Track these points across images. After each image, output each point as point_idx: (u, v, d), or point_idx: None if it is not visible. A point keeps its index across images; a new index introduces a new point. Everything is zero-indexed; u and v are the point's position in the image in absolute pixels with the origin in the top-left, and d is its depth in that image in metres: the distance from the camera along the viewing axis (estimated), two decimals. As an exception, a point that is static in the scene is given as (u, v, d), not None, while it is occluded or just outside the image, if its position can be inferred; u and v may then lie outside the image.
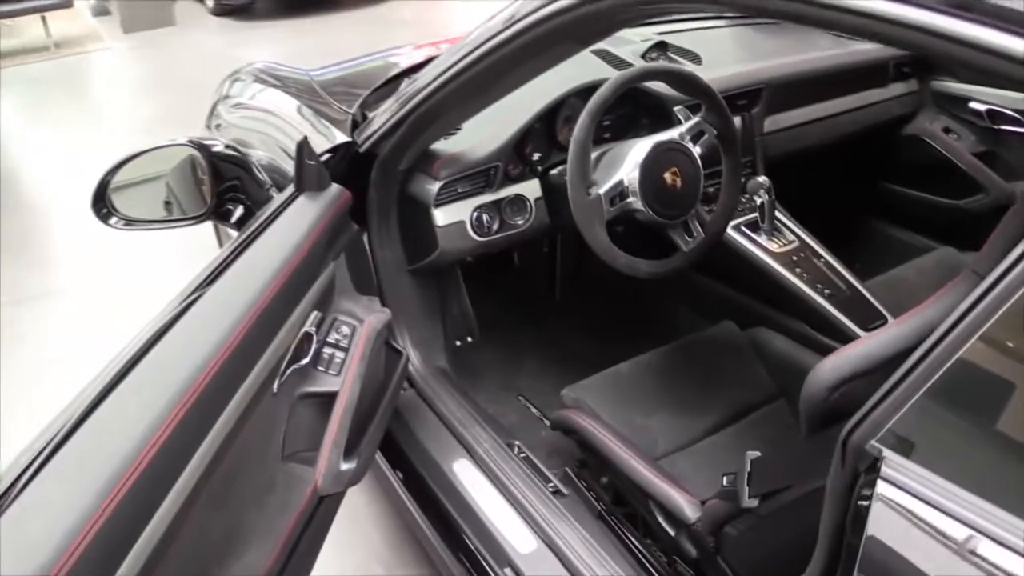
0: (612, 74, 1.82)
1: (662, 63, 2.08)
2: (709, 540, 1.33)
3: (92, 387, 1.03)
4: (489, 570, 1.49)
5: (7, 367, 2.89)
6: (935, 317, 0.87)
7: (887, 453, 0.76)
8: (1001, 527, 0.68)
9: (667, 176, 1.57)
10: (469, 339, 2.27)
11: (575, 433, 1.65)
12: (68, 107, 5.60)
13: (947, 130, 2.38)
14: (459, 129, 1.79)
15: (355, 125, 1.79)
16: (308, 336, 1.34)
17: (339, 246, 1.53)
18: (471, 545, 1.55)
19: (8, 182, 4.44)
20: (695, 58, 2.17)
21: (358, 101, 1.89)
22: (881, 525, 0.78)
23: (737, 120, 2.02)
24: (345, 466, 1.37)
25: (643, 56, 2.09)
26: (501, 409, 2.08)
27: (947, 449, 0.78)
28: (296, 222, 1.41)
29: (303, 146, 1.40)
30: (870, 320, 1.79)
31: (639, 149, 1.57)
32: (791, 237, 1.97)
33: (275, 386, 1.25)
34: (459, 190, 1.72)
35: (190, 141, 1.49)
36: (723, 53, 2.24)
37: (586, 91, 1.83)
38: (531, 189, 1.82)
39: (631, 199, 1.56)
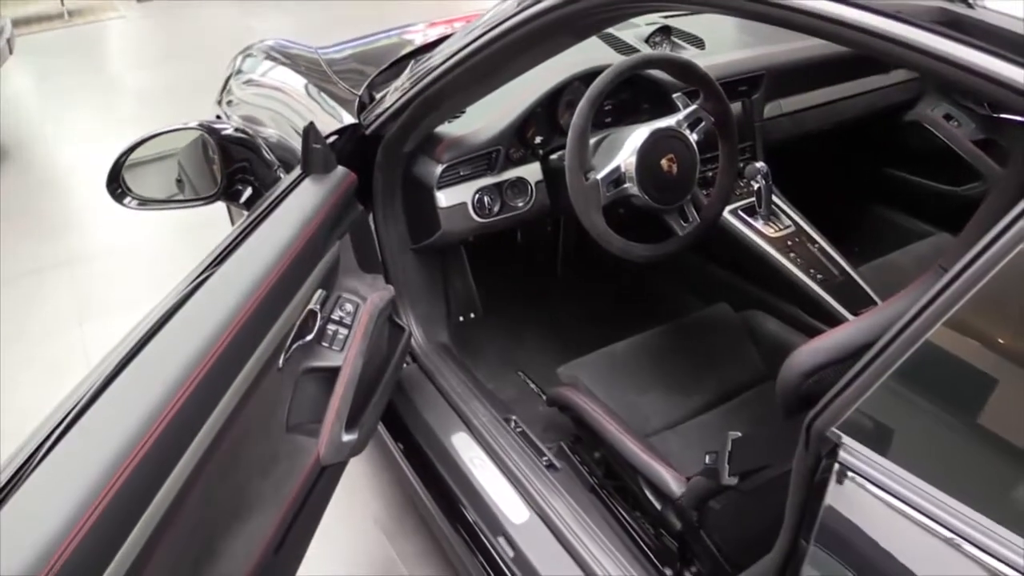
0: (615, 59, 1.85)
1: (663, 50, 2.12)
2: (692, 514, 1.39)
3: (110, 359, 1.09)
4: (484, 539, 1.56)
5: (26, 332, 2.97)
6: (904, 309, 0.91)
7: (846, 440, 0.82)
8: (963, 522, 0.73)
9: (664, 163, 1.62)
10: (472, 315, 2.32)
11: (570, 410, 1.70)
12: (83, 76, 5.63)
13: (948, 117, 2.41)
14: (463, 113, 1.83)
15: (362, 107, 1.83)
16: (312, 313, 1.39)
17: (344, 226, 1.59)
18: (467, 515, 1.61)
19: (25, 152, 4.50)
20: (698, 43, 2.20)
21: (365, 82, 1.94)
22: (837, 508, 0.84)
23: (737, 106, 2.06)
24: (347, 437, 1.43)
25: (647, 40, 2.12)
26: (501, 384, 2.13)
27: (903, 437, 0.83)
28: (302, 204, 1.46)
29: (309, 130, 1.45)
30: (861, 305, 1.83)
31: (637, 136, 1.62)
32: (787, 222, 2.01)
33: (280, 361, 1.30)
34: (461, 173, 1.77)
35: (201, 124, 1.54)
36: (726, 38, 2.27)
37: (589, 76, 1.86)
38: (532, 172, 1.87)
39: (628, 185, 1.61)
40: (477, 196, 1.79)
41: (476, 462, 1.68)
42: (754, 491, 1.28)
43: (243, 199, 1.64)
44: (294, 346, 1.35)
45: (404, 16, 2.79)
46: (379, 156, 1.75)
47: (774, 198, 2.01)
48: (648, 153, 1.60)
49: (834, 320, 1.83)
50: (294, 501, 1.34)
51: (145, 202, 1.54)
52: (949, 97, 2.43)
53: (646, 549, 1.56)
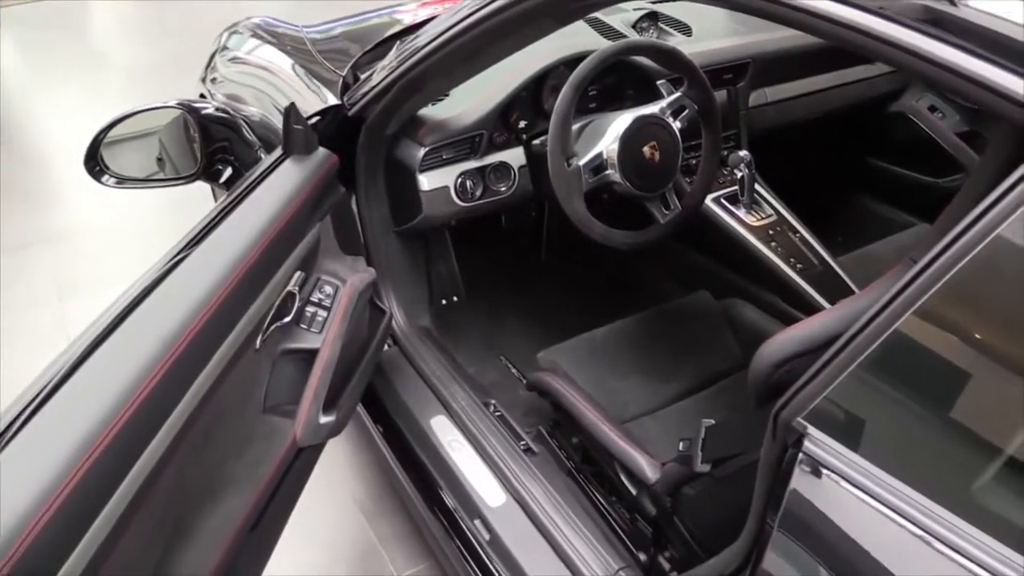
0: (601, 44, 1.85)
1: (649, 36, 2.11)
2: (667, 500, 1.40)
3: (83, 338, 1.09)
4: (460, 522, 1.57)
5: (7, 307, 2.96)
6: (875, 301, 0.92)
7: (812, 430, 0.83)
8: (927, 515, 0.74)
9: (646, 150, 1.62)
10: (455, 298, 2.33)
11: (549, 395, 1.71)
12: (70, 50, 5.55)
13: (932, 109, 2.41)
14: (446, 95, 1.82)
15: (346, 88, 1.82)
16: (291, 295, 1.39)
17: (325, 208, 1.58)
18: (444, 498, 1.62)
19: (8, 127, 4.45)
20: (685, 29, 2.20)
21: (350, 63, 1.92)
22: (801, 496, 0.85)
23: (722, 94, 2.06)
24: (324, 419, 1.43)
25: (634, 26, 2.12)
26: (482, 368, 2.14)
27: (869, 428, 0.84)
28: (282, 184, 1.45)
29: (290, 110, 1.44)
30: (840, 295, 1.83)
31: (620, 122, 1.62)
32: (769, 211, 2.02)
33: (258, 343, 1.31)
34: (444, 156, 1.77)
35: (180, 103, 1.53)
36: (714, 25, 2.26)
37: (574, 61, 1.86)
38: (515, 157, 1.87)
39: (609, 171, 1.61)
40: (460, 180, 1.79)
41: (454, 445, 1.69)
42: (727, 478, 1.30)
43: (223, 179, 1.63)
44: (272, 327, 1.35)
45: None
46: (362, 138, 1.75)
47: (757, 187, 2.02)
48: (631, 140, 1.60)
49: (813, 310, 1.83)
50: (270, 482, 1.35)
51: (123, 180, 1.53)
52: (934, 89, 2.43)
53: (621, 534, 1.57)
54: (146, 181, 1.60)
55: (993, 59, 0.75)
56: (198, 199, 2.49)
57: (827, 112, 2.34)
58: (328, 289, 1.52)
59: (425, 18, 2.12)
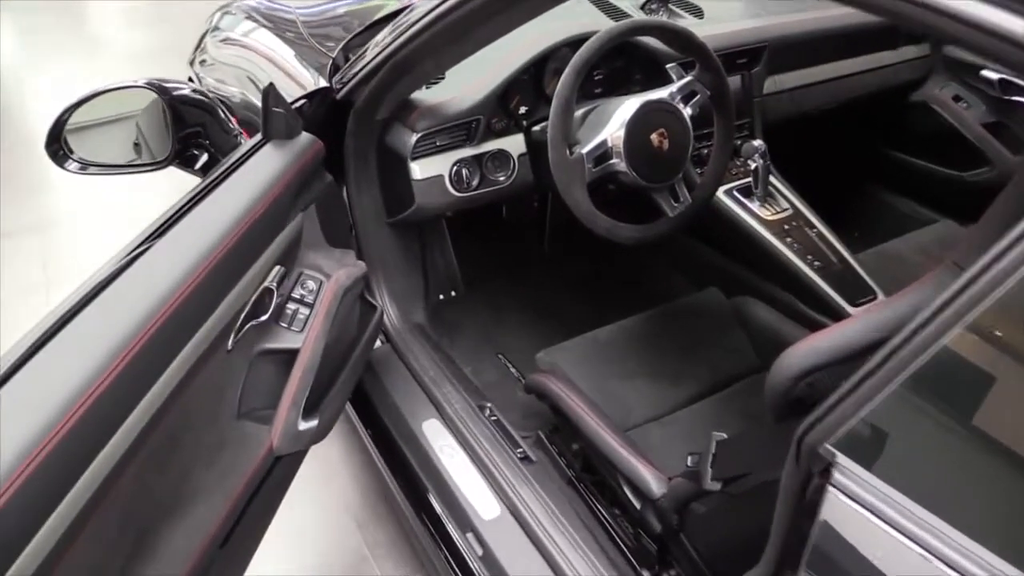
0: (607, 24, 1.74)
1: (658, 17, 1.99)
2: (673, 517, 1.30)
3: (29, 335, 0.99)
4: (452, 535, 1.47)
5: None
6: (907, 311, 0.81)
7: (840, 458, 0.72)
8: (953, 548, 0.63)
9: (654, 138, 1.50)
10: (452, 293, 2.22)
11: (547, 398, 1.61)
12: (65, 34, 5.47)
13: (957, 98, 2.29)
14: (441, 78, 1.71)
15: (335, 70, 1.71)
16: (268, 291, 1.29)
17: (308, 197, 1.48)
18: (435, 507, 1.52)
19: (3, 112, 4.36)
20: (697, 11, 2.08)
21: (340, 44, 1.82)
22: (829, 532, 0.74)
23: (736, 80, 1.94)
24: (304, 425, 1.33)
25: (642, 7, 2.01)
26: (479, 367, 2.04)
27: (908, 457, 0.73)
28: (260, 171, 1.35)
29: (269, 92, 1.34)
30: (860, 295, 1.73)
31: (626, 108, 1.50)
32: (784, 205, 1.90)
33: (230, 342, 1.20)
34: (438, 143, 1.66)
35: (149, 83, 1.42)
36: (727, 7, 2.14)
37: (578, 42, 1.74)
38: (515, 144, 1.76)
39: (615, 160, 1.49)
40: (455, 168, 1.68)
41: (447, 451, 1.59)
42: (741, 496, 1.19)
43: (198, 165, 1.53)
44: (247, 326, 1.25)
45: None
46: (350, 123, 1.64)
47: (771, 179, 1.90)
48: (637, 127, 1.49)
49: (830, 310, 1.73)
50: (243, 493, 1.25)
51: (87, 166, 1.42)
52: (958, 77, 2.31)
53: (624, 549, 1.47)
54: (112, 167, 1.49)
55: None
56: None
57: (845, 101, 2.21)
58: (311, 285, 1.42)
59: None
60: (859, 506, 0.70)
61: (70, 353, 0.97)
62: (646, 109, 1.49)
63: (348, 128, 1.66)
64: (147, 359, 1.01)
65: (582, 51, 1.44)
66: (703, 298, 1.84)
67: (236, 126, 1.56)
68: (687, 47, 1.55)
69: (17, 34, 5.51)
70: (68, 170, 1.40)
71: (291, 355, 1.33)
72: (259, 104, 1.76)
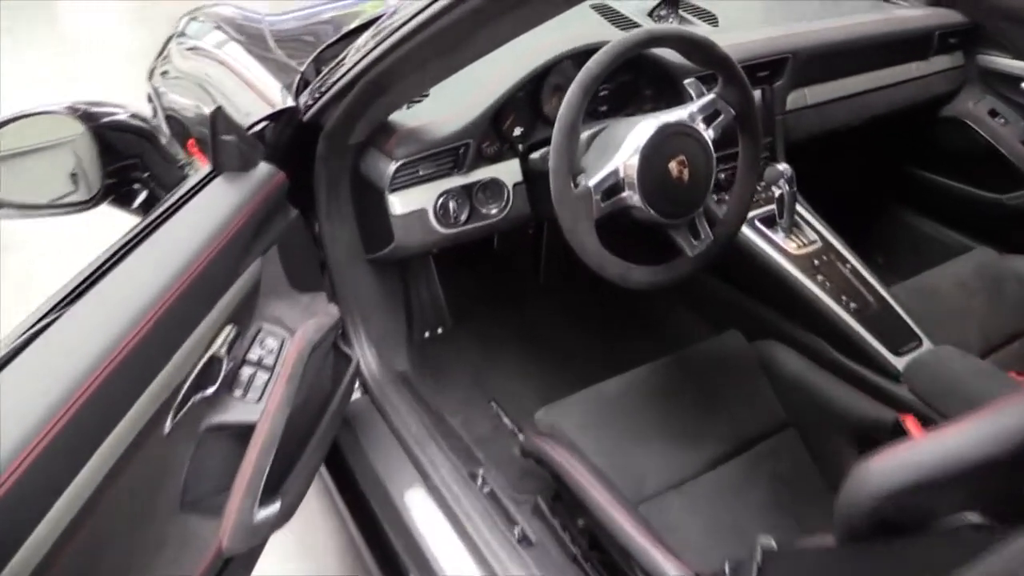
0: (613, 35, 1.52)
1: (671, 24, 1.78)
2: None
3: None
4: None
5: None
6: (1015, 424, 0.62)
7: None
8: None
9: (672, 166, 1.29)
10: (439, 330, 2.01)
11: (547, 465, 1.40)
12: (46, 34, 5.26)
13: (993, 113, 2.09)
14: (425, 96, 1.50)
15: (303, 87, 1.50)
16: (216, 360, 1.08)
17: (269, 238, 1.26)
18: None
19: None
20: (711, 19, 1.87)
21: (310, 57, 1.60)
22: None
23: (756, 95, 1.73)
24: (262, 514, 1.12)
25: (651, 14, 1.79)
26: (470, 416, 1.82)
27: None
28: (207, 211, 1.14)
29: (217, 117, 1.12)
30: (903, 342, 1.52)
31: (640, 131, 1.28)
32: (812, 236, 1.69)
33: (167, 425, 0.99)
34: (421, 172, 1.44)
35: (71, 108, 1.19)
36: (743, 14, 1.93)
37: (581, 55, 1.54)
38: (509, 172, 1.54)
39: (627, 193, 1.28)
40: (440, 201, 1.46)
41: (432, 528, 1.37)
42: None
43: (136, 203, 1.30)
44: (192, 400, 1.04)
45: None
46: (320, 148, 1.43)
47: (797, 207, 1.69)
48: (653, 153, 1.27)
49: (868, 359, 1.51)
50: None
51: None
52: (994, 89, 2.10)
53: None
54: (31, 208, 1.26)
55: None
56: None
57: (873, 117, 2.00)
58: (271, 343, 1.21)
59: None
60: None
61: None
62: (664, 133, 1.28)
63: (318, 153, 1.45)
64: (59, 454, 0.82)
65: (590, 65, 1.22)
66: (722, 343, 1.63)
67: (186, 154, 1.34)
68: (709, 59, 1.34)
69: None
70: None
71: (247, 430, 1.12)
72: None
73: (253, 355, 1.18)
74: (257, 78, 1.80)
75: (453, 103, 1.48)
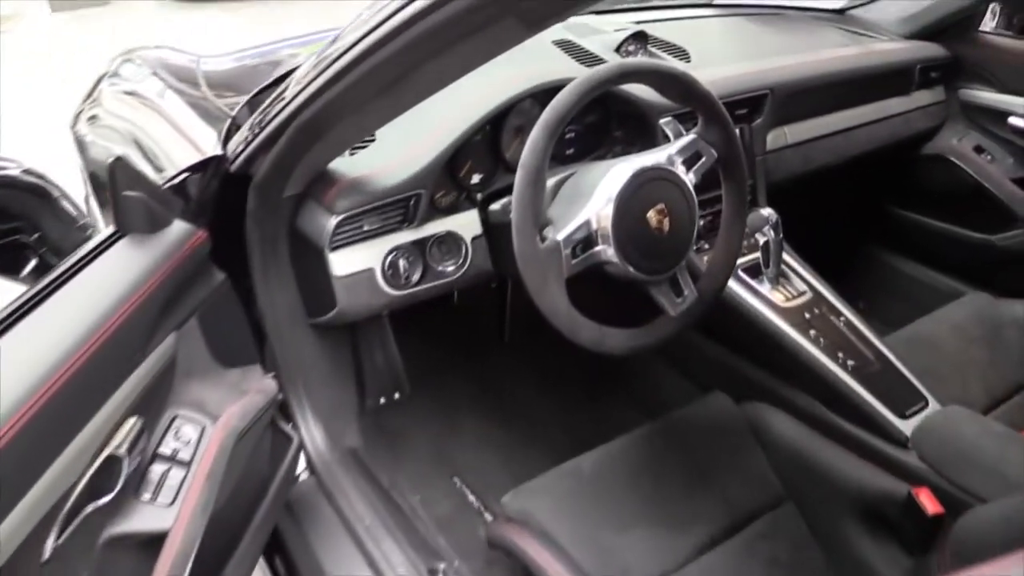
0: (578, 72, 1.38)
1: (644, 58, 1.64)
2: None
3: None
4: None
5: None
6: None
7: None
8: None
9: (651, 216, 1.13)
10: (396, 395, 1.82)
11: (518, 558, 1.22)
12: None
13: (979, 149, 1.98)
14: (370, 141, 1.34)
15: (233, 132, 1.33)
16: (115, 460, 0.89)
17: (187, 308, 1.09)
18: None
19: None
20: (682, 54, 1.74)
21: (242, 101, 1.43)
22: None
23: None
24: None
25: (617, 50, 1.65)
26: (431, 495, 1.63)
27: None
28: (107, 279, 0.96)
29: (116, 169, 0.94)
30: (908, 404, 1.37)
31: (613, 177, 1.13)
32: (801, 287, 1.55)
33: (47, 549, 0.80)
34: (366, 227, 1.27)
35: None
36: (716, 49, 1.81)
37: (544, 93, 1.39)
38: (467, 224, 1.38)
39: (600, 247, 1.12)
40: (389, 259, 1.29)
41: None
42: None
43: (26, 271, 1.12)
44: (84, 511, 0.85)
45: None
46: (250, 201, 1.26)
47: (784, 254, 1.55)
48: (630, 202, 1.12)
49: (870, 422, 1.36)
50: None
51: None
52: (978, 125, 2.00)
53: None
54: None
55: None
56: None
57: (855, 155, 1.88)
58: (188, 433, 1.03)
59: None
60: None
61: None
62: (640, 178, 1.12)
63: (249, 207, 1.27)
64: None
65: (556, 103, 1.07)
66: (707, 406, 1.47)
67: (81, 211, 1.16)
68: (687, 96, 1.19)
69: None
70: None
71: (157, 539, 0.93)
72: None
73: (166, 449, 1.00)
74: (195, 129, 1.63)
75: (402, 148, 1.32)
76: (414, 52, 0.87)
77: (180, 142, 1.59)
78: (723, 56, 1.74)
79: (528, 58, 1.39)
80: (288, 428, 1.36)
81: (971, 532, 1.08)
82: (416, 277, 1.32)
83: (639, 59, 1.61)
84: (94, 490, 0.87)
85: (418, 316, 1.75)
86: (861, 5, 2.12)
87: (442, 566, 1.27)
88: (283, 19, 6.62)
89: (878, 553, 1.26)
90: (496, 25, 0.79)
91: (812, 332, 1.46)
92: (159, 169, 1.50)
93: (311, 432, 1.47)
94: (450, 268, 1.36)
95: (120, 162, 0.94)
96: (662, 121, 1.24)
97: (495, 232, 1.37)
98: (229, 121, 1.38)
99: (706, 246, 1.55)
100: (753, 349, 1.56)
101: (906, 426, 1.34)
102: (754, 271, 1.54)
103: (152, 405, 0.98)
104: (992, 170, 1.95)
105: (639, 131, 1.51)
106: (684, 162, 1.19)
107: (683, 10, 2.06)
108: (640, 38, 1.68)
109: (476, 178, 1.40)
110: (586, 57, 1.61)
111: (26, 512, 0.77)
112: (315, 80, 1.01)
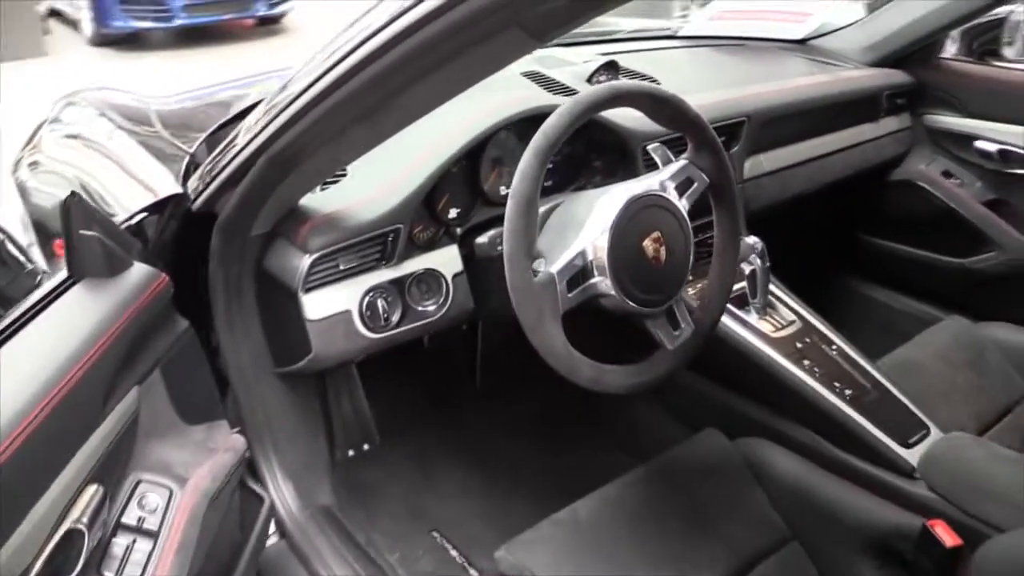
0: (550, 101, 1.33)
1: (635, 81, 1.59)
2: None
3: None
4: None
5: None
6: None
7: None
8: None
9: (648, 244, 1.07)
10: (365, 447, 1.72)
11: None
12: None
13: (947, 174, 1.98)
14: (342, 175, 1.26)
15: (192, 170, 1.24)
16: (76, 534, 0.79)
17: (149, 360, 0.99)
18: None
19: None
20: (652, 83, 1.70)
21: (201, 137, 1.35)
22: None
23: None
24: None
25: (589, 79, 1.60)
26: (409, 552, 1.53)
27: None
28: (60, 329, 0.86)
29: (71, 208, 0.85)
30: (910, 432, 1.32)
31: (606, 205, 1.07)
32: (789, 316, 1.51)
33: None
34: (342, 266, 1.19)
35: None
36: (687, 78, 1.78)
37: (521, 123, 1.33)
38: (447, 261, 1.30)
39: (597, 279, 1.05)
40: (367, 300, 1.21)
41: None
42: None
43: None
44: None
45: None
46: (214, 241, 1.16)
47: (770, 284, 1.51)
48: (625, 231, 1.06)
49: (874, 453, 1.31)
50: None
51: None
52: (945, 149, 2.00)
53: None
54: None
55: None
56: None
57: (830, 182, 1.86)
58: (154, 500, 0.93)
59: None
60: None
61: None
62: (635, 205, 1.07)
63: (212, 247, 1.18)
64: None
65: (546, 129, 1.01)
66: (701, 445, 1.41)
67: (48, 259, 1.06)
68: (678, 120, 1.14)
69: None
70: None
71: None
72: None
73: (130, 518, 0.90)
74: (148, 168, 1.53)
75: (377, 182, 1.24)
76: (404, 71, 0.80)
77: (131, 183, 1.49)
78: (695, 84, 1.71)
79: (499, 88, 1.34)
80: (258, 488, 1.26)
81: (993, 562, 1.03)
82: (396, 318, 1.24)
83: (630, 82, 1.56)
84: (54, 570, 0.77)
85: (385, 360, 1.66)
86: (823, 35, 2.12)
87: None
88: (224, 67, 6.54)
89: None
90: (498, 37, 0.73)
91: (806, 362, 1.41)
92: (110, 214, 1.40)
93: (281, 491, 1.37)
94: (431, 308, 1.28)
95: (75, 199, 0.85)
96: (650, 147, 1.19)
97: (480, 268, 1.30)
98: (188, 158, 1.29)
99: (690, 277, 1.50)
100: (744, 382, 1.50)
101: (911, 455, 1.29)
102: (740, 301, 1.49)
103: (114, 470, 0.88)
104: (962, 194, 1.95)
105: (619, 160, 1.46)
106: (676, 188, 1.14)
107: (648, 42, 2.04)
108: (611, 67, 1.64)
109: (454, 212, 1.33)
110: (557, 87, 1.56)
111: None
112: (287, 108, 0.93)
